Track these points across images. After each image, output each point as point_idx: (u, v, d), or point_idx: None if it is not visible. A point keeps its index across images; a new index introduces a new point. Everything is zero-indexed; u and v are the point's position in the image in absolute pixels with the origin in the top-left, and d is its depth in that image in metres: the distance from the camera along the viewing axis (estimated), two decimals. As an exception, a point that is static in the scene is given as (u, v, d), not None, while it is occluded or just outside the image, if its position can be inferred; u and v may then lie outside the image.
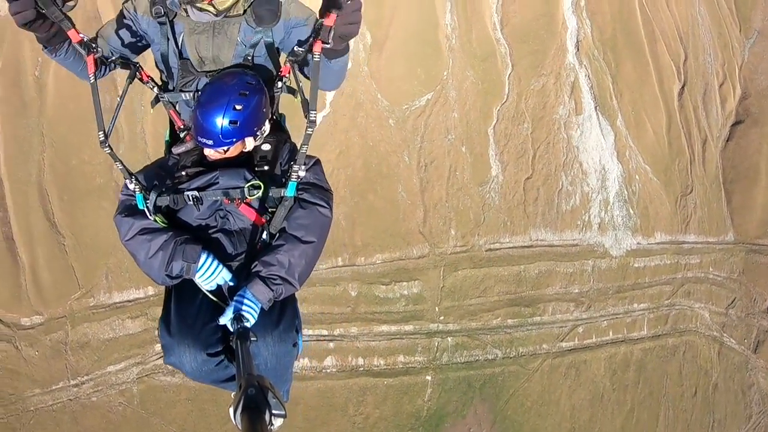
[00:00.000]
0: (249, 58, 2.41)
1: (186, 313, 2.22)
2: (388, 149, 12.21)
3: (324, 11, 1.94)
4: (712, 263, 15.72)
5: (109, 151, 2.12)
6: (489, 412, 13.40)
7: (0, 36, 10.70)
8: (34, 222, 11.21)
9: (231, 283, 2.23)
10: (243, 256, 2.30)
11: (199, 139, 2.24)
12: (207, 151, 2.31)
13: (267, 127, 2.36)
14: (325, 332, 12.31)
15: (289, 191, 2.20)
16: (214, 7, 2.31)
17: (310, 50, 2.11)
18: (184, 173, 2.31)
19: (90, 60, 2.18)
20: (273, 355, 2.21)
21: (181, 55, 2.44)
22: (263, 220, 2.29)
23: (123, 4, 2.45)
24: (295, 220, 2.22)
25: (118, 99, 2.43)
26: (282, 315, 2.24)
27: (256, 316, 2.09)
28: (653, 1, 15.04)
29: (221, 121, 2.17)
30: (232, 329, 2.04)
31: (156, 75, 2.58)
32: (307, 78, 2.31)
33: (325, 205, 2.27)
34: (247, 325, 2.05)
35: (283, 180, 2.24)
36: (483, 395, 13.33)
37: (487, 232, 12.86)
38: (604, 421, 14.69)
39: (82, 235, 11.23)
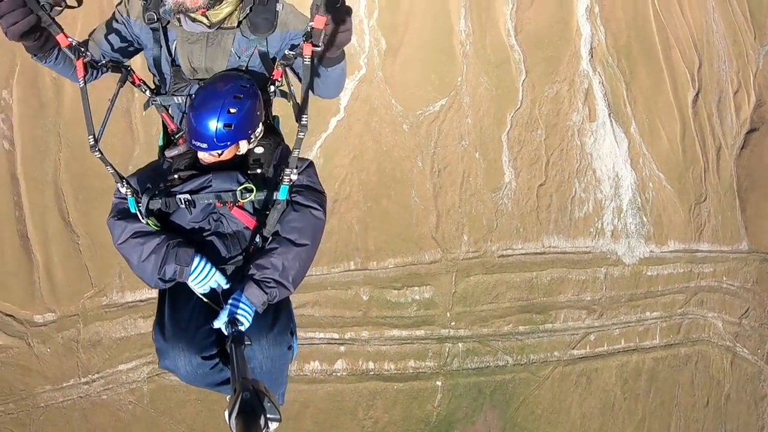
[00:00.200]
0: (243, 66, 2.40)
1: (180, 316, 2.22)
2: (401, 154, 12.27)
3: (313, 14, 1.91)
4: (725, 272, 15.54)
5: (99, 155, 2.11)
6: (499, 419, 13.34)
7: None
8: (49, 221, 11.35)
9: (225, 287, 2.23)
10: (237, 259, 2.29)
11: (193, 142, 2.23)
12: (201, 155, 2.30)
13: (261, 130, 2.36)
14: (336, 336, 12.34)
15: (282, 194, 2.19)
16: (207, 19, 2.29)
17: (300, 54, 2.07)
18: (176, 176, 2.30)
19: (79, 64, 2.16)
20: (268, 358, 2.21)
21: (173, 62, 2.43)
22: (256, 223, 2.28)
23: (116, 6, 2.43)
24: (288, 223, 2.22)
25: (109, 102, 2.38)
26: (276, 318, 2.24)
27: (250, 319, 2.09)
28: (668, 8, 14.98)
29: (215, 125, 2.16)
30: (226, 333, 2.03)
31: (148, 78, 2.58)
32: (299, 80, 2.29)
33: (319, 207, 2.27)
34: (242, 328, 2.04)
35: (276, 183, 2.23)
36: (493, 402, 13.27)
37: (499, 238, 12.84)
38: (615, 431, 14.56)
39: (97, 235, 11.37)
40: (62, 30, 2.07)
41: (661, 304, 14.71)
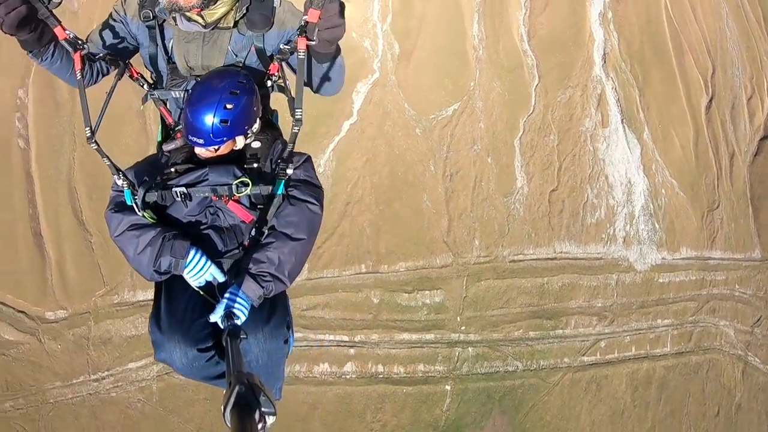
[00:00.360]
0: (240, 63, 2.39)
1: (176, 309, 2.22)
2: (414, 158, 12.29)
3: (307, 8, 1.93)
4: (738, 280, 15.38)
5: (96, 147, 2.12)
6: (508, 424, 13.27)
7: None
8: (62, 219, 11.46)
9: (221, 280, 2.23)
10: (233, 253, 2.29)
11: (190, 137, 2.22)
12: (198, 150, 2.29)
13: (258, 125, 2.35)
14: (346, 338, 12.36)
15: (278, 189, 2.20)
16: (202, 18, 2.28)
17: (295, 48, 2.08)
18: (173, 170, 2.30)
19: (77, 57, 2.16)
20: (264, 352, 2.22)
21: (169, 60, 2.42)
22: (252, 217, 2.29)
23: (113, 6, 2.44)
24: (284, 217, 2.22)
25: (106, 95, 2.36)
26: (272, 312, 2.24)
27: (246, 313, 2.08)
28: (681, 14, 14.91)
29: (212, 120, 2.16)
30: (222, 326, 2.02)
31: (146, 74, 2.57)
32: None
33: (315, 202, 2.27)
34: (238, 322, 2.03)
35: (273, 177, 2.24)
36: (502, 407, 13.21)
37: (511, 243, 12.82)
38: (624, 439, 14.43)
39: (109, 235, 11.46)
40: (60, 23, 2.07)
41: (672, 312, 14.58)
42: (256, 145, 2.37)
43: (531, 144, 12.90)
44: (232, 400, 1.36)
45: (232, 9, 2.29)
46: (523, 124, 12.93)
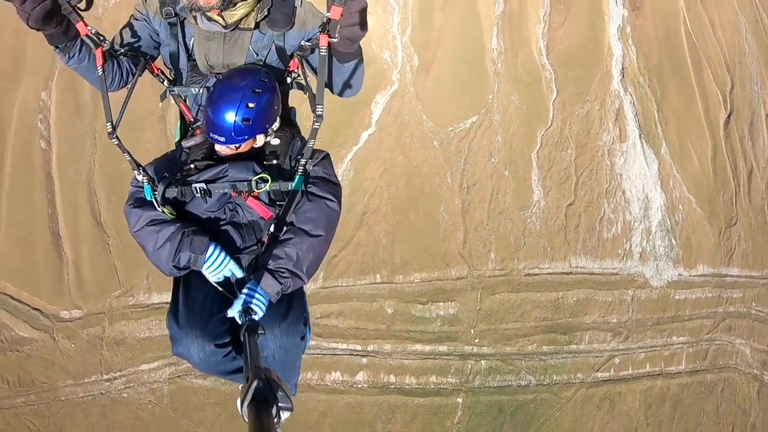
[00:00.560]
0: (261, 62, 2.40)
1: (194, 304, 2.23)
2: (431, 170, 12.34)
3: (330, 5, 1.92)
4: (755, 298, 15.13)
5: (117, 142, 2.14)
6: (519, 439, 13.16)
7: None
8: (81, 220, 11.63)
9: (239, 276, 2.22)
10: (251, 248, 2.29)
11: (211, 135, 2.22)
12: (218, 147, 2.30)
13: (278, 123, 2.36)
14: (359, 347, 12.36)
15: (296, 184, 2.20)
16: (223, 19, 2.28)
17: (317, 45, 2.08)
18: (193, 166, 2.30)
19: (98, 52, 2.18)
20: (281, 347, 2.22)
21: (190, 57, 2.44)
22: (271, 213, 2.28)
23: (135, 5, 2.46)
24: (303, 213, 2.22)
25: (127, 91, 2.38)
26: (290, 308, 2.24)
27: (264, 308, 2.09)
28: (700, 29, 14.84)
29: (234, 119, 2.16)
30: (240, 322, 2.03)
31: (166, 71, 2.58)
32: (316, 74, 2.24)
33: (333, 198, 2.26)
34: (255, 317, 2.04)
35: (292, 174, 2.23)
36: (514, 421, 13.09)
37: (526, 256, 12.76)
38: (637, 457, 14.21)
39: (127, 236, 11.47)
40: (82, 18, 2.10)
41: (688, 329, 14.38)
42: (276, 142, 2.38)
43: (548, 158, 12.88)
44: (250, 394, 1.36)
45: (253, 10, 2.30)
46: (541, 138, 12.92)
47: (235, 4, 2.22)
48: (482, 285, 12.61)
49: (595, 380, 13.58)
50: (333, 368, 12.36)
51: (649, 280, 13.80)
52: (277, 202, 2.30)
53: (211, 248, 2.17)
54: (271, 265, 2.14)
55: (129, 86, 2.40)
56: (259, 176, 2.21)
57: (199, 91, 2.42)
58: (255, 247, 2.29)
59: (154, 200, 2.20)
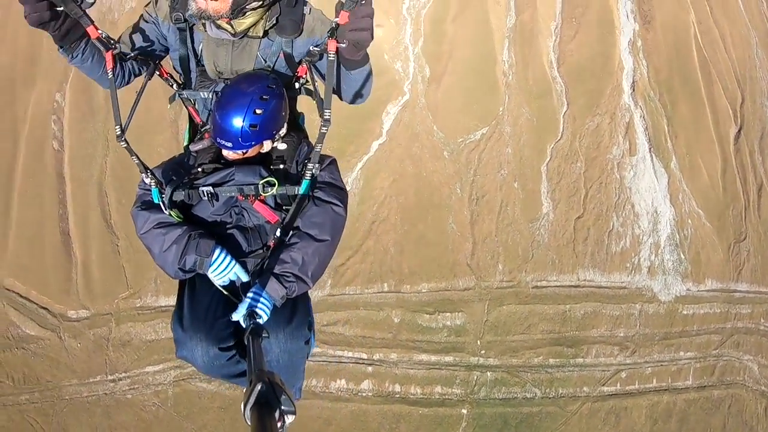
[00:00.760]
0: (269, 68, 2.41)
1: (199, 307, 2.24)
2: (441, 180, 12.38)
3: (338, 10, 1.94)
4: (763, 314, 15.00)
5: (126, 145, 2.16)
6: (523, 452, 13.07)
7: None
8: (91, 221, 11.72)
9: (244, 279, 2.24)
10: (257, 252, 2.31)
11: (218, 140, 2.25)
12: (225, 152, 2.33)
13: (285, 128, 2.38)
14: (364, 356, 12.36)
15: (303, 189, 2.21)
16: (231, 27, 2.30)
17: (325, 50, 2.10)
18: (200, 169, 2.33)
19: (108, 56, 2.20)
20: (285, 351, 2.23)
21: (199, 63, 2.46)
22: (277, 217, 2.30)
23: (144, 7, 2.47)
24: (309, 218, 2.23)
25: (136, 95, 2.38)
26: (294, 312, 2.26)
27: (269, 312, 2.09)
28: (710, 43, 14.85)
29: (241, 124, 2.18)
30: (244, 325, 2.02)
31: (175, 75, 2.61)
32: (324, 79, 2.26)
33: (339, 203, 2.28)
34: (260, 321, 2.04)
35: (298, 178, 2.25)
36: (518, 434, 13.04)
37: (534, 269, 12.74)
38: (642, 473, 14.07)
39: (136, 239, 11.50)
40: (92, 22, 2.11)
41: (695, 344, 14.27)
42: (282, 146, 2.40)
43: (558, 170, 12.89)
44: (253, 398, 1.35)
45: (261, 18, 2.31)
46: (551, 151, 12.94)
47: (244, 13, 2.23)
48: (489, 296, 12.59)
49: (601, 394, 13.48)
50: (338, 376, 12.36)
51: (657, 294, 13.72)
52: (284, 207, 2.31)
53: (217, 251, 2.19)
54: (277, 269, 2.15)
55: (138, 90, 2.41)
56: (265, 180, 2.23)
57: (208, 95, 2.45)
58: (260, 251, 2.31)
59: (161, 203, 2.23)
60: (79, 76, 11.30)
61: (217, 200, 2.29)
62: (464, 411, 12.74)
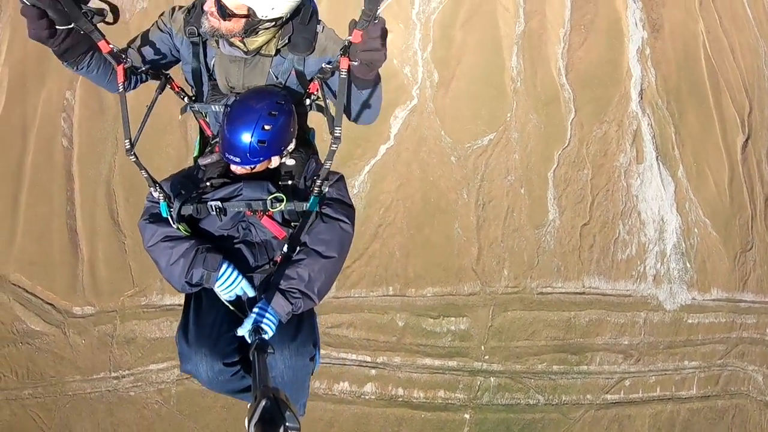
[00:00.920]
0: (281, 85, 2.42)
1: (204, 322, 2.24)
2: (447, 185, 12.41)
3: (351, 29, 1.93)
4: (768, 324, 14.95)
5: (135, 159, 2.16)
6: (525, 458, 13.03)
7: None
8: (98, 219, 11.77)
9: (250, 294, 2.24)
10: (263, 268, 2.30)
11: (227, 155, 2.26)
12: (233, 167, 2.34)
13: (293, 144, 2.39)
14: (368, 359, 12.37)
15: (311, 206, 2.21)
16: (244, 45, 2.31)
17: (337, 67, 2.09)
18: (208, 183, 2.33)
19: (120, 70, 2.20)
20: (289, 368, 2.22)
21: (211, 77, 2.47)
22: (285, 233, 2.29)
23: (159, 17, 2.48)
24: (316, 234, 2.23)
25: (146, 109, 2.40)
26: (300, 328, 2.25)
27: (274, 328, 2.09)
28: (719, 52, 14.84)
29: (249, 140, 2.18)
30: (249, 341, 2.03)
31: (186, 88, 2.62)
32: (335, 97, 2.24)
33: (347, 220, 2.28)
34: (265, 337, 2.03)
35: (306, 195, 2.25)
36: (521, 440, 13.01)
37: (540, 275, 12.73)
38: (644, 482, 14.00)
39: None
40: (104, 36, 2.10)
41: (700, 354, 14.21)
42: (291, 162, 2.41)
43: (564, 177, 12.90)
44: (258, 414, 1.36)
45: (274, 37, 2.31)
46: (558, 157, 12.95)
47: (257, 32, 2.24)
48: (494, 302, 12.59)
49: (604, 402, 13.44)
50: (341, 378, 12.37)
51: (663, 303, 13.68)
52: (291, 222, 2.31)
53: (224, 266, 2.19)
54: (283, 285, 2.15)
55: (148, 105, 2.42)
56: (273, 196, 2.23)
57: (219, 109, 2.45)
58: (267, 267, 2.31)
59: (169, 217, 2.23)
60: (87, 76, 11.40)
61: (225, 215, 2.29)
62: (467, 416, 12.72)
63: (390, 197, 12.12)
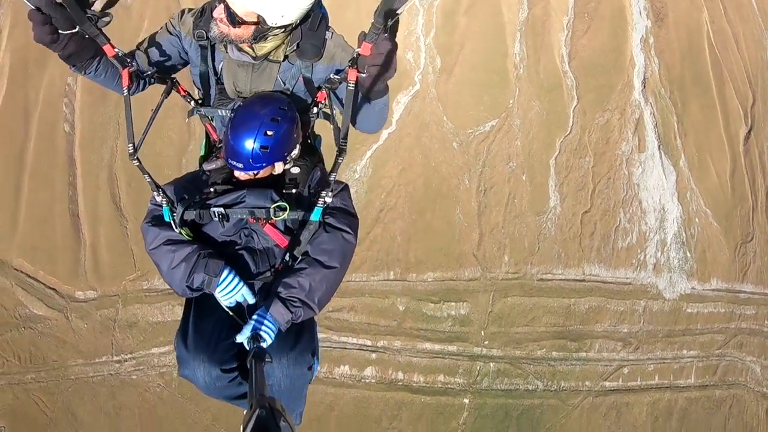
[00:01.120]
0: (288, 92, 2.40)
1: (204, 327, 2.23)
2: (449, 171, 12.44)
3: (360, 41, 1.92)
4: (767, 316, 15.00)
5: (138, 163, 2.16)
6: (523, 443, 13.14)
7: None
8: (100, 203, 11.81)
9: (251, 301, 2.23)
10: (265, 275, 2.29)
11: (230, 161, 2.26)
12: (237, 173, 2.34)
13: (297, 151, 2.38)
14: (368, 343, 12.45)
15: (314, 216, 2.19)
16: (253, 50, 2.29)
17: (345, 78, 2.09)
18: (212, 189, 2.31)
19: (125, 74, 2.20)
20: (287, 377, 2.22)
21: (218, 81, 2.45)
22: (287, 241, 2.27)
23: (169, 20, 2.46)
24: (318, 244, 2.22)
25: (152, 112, 2.40)
26: (299, 338, 2.25)
27: (273, 336, 2.08)
28: (723, 43, 14.79)
29: (252, 146, 2.18)
30: (248, 348, 2.03)
31: (192, 90, 2.61)
32: (342, 107, 2.26)
33: (350, 231, 2.27)
34: (264, 345, 2.03)
35: (310, 204, 2.23)
36: (519, 426, 13.09)
37: (540, 261, 12.78)
38: (641, 469, 14.12)
39: None
40: (109, 41, 2.09)
41: (698, 343, 14.27)
42: (296, 170, 2.40)
43: (566, 164, 12.90)
44: (252, 423, 1.35)
45: (282, 43, 2.30)
46: (560, 145, 12.95)
47: (266, 38, 2.23)
48: (495, 287, 12.64)
49: (602, 389, 13.52)
50: (342, 362, 12.46)
51: (662, 291, 13.73)
52: (294, 231, 2.30)
53: (226, 272, 2.18)
54: (283, 293, 2.14)
55: (154, 109, 2.42)
56: (277, 204, 2.22)
57: (226, 113, 2.44)
58: (268, 274, 2.30)
59: (172, 222, 2.22)
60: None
61: (228, 221, 2.28)
62: (466, 401, 12.82)
63: (392, 182, 12.14)
